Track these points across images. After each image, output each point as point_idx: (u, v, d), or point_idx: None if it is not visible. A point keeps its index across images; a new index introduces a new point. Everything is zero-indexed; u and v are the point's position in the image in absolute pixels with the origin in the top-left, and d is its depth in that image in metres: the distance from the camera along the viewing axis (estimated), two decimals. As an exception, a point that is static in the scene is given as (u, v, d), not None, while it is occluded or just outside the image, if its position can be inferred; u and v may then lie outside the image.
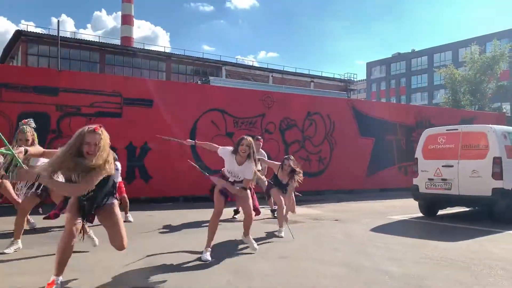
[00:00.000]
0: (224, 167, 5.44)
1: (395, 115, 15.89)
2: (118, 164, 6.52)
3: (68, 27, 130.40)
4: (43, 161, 4.80)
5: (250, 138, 5.23)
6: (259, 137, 9.17)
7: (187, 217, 8.36)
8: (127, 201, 8.01)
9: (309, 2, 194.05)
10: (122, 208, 6.54)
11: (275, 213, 7.91)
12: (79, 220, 3.73)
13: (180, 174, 11.12)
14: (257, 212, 5.72)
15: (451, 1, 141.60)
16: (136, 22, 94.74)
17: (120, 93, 10.92)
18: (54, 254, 3.62)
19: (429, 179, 8.89)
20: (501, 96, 37.32)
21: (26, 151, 3.71)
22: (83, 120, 10.35)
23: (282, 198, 6.90)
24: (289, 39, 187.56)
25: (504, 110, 38.97)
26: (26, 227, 5.75)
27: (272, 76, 42.89)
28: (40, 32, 37.69)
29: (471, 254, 5.42)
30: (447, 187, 8.56)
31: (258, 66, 45.68)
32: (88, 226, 4.56)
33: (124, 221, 6.21)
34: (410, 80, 73.16)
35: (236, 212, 8.51)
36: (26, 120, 5.61)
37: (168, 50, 43.90)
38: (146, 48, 40.98)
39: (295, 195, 7.43)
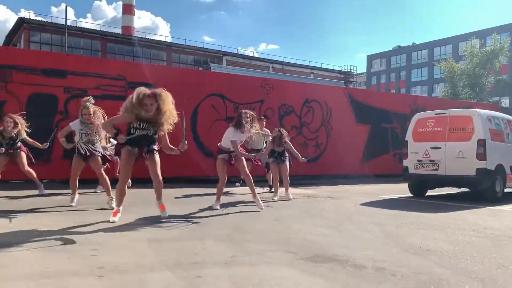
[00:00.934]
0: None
1: (390, 104, 16.36)
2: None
3: (68, 16, 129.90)
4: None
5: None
6: (262, 117, 10.15)
7: (191, 193, 8.89)
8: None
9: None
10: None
11: (272, 188, 8.99)
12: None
13: (183, 156, 11.54)
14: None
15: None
16: (137, 12, 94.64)
17: (125, 77, 11.39)
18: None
19: (418, 160, 9.38)
20: (500, 90, 37.66)
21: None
22: (89, 102, 10.85)
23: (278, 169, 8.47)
24: (289, 32, 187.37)
25: (503, 105, 39.42)
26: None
27: (272, 67, 43.31)
28: (42, 20, 37.98)
29: (448, 221, 5.93)
30: (434, 168, 9.06)
31: (258, 56, 46.07)
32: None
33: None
34: (410, 74, 73.39)
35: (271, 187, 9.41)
36: (86, 97, 6.63)
37: (169, 40, 44.13)
38: (147, 37, 41.37)
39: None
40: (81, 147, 6.52)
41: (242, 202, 7.90)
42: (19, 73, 10.16)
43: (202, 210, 6.46)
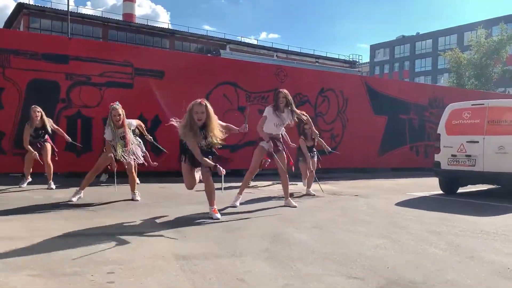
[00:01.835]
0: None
1: (408, 94, 15.52)
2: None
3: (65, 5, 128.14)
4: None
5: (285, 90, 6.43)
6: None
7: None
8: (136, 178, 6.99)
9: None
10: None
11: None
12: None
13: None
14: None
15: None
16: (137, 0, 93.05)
17: (131, 63, 10.57)
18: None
19: (452, 155, 8.62)
20: (507, 80, 36.84)
21: None
22: (93, 89, 10.06)
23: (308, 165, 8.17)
24: (290, 21, 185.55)
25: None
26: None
27: (276, 56, 42.33)
28: (42, 6, 36.96)
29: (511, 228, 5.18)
30: (471, 164, 8.30)
31: (262, 45, 45.08)
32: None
33: (132, 199, 6.57)
34: (414, 64, 72.51)
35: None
36: (114, 102, 6.37)
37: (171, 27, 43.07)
38: (149, 24, 40.35)
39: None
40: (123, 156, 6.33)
41: (265, 198, 7.20)
42: (18, 58, 9.32)
43: (226, 210, 5.71)
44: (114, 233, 4.26)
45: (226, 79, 11.82)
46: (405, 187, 9.99)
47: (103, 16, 38.73)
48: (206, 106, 5.01)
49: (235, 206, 6.19)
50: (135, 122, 6.98)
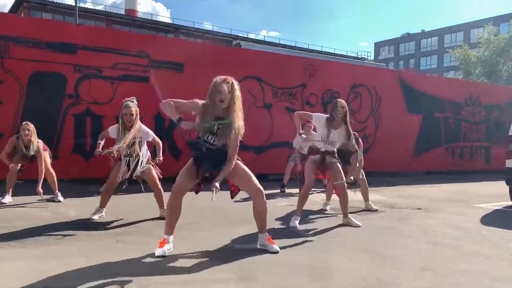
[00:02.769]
0: None
1: (443, 90, 14.24)
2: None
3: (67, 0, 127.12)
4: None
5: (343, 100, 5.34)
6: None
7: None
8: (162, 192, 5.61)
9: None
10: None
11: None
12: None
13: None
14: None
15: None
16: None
17: (147, 54, 9.29)
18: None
19: (527, 161, 7.38)
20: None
21: None
22: (104, 83, 8.81)
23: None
24: (290, 18, 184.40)
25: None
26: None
27: (284, 52, 41.11)
28: (43, -1, 35.72)
29: None
30: (552, 171, 7.06)
31: (269, 41, 43.82)
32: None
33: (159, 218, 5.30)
34: (419, 61, 71.27)
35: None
36: (129, 98, 5.31)
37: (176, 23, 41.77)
38: (153, 19, 39.07)
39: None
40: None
41: (313, 212, 5.97)
42: (19, 47, 8.06)
43: (284, 233, 4.45)
44: (152, 283, 3.00)
45: (251, 73, 10.54)
46: (462, 196, 8.78)
47: (106, 10, 37.50)
48: (232, 84, 3.75)
49: (295, 227, 5.10)
50: (152, 136, 5.47)
